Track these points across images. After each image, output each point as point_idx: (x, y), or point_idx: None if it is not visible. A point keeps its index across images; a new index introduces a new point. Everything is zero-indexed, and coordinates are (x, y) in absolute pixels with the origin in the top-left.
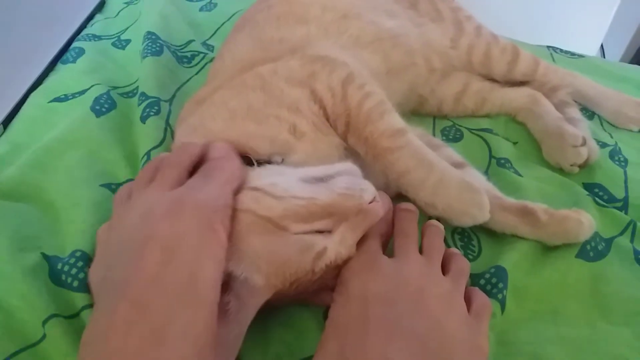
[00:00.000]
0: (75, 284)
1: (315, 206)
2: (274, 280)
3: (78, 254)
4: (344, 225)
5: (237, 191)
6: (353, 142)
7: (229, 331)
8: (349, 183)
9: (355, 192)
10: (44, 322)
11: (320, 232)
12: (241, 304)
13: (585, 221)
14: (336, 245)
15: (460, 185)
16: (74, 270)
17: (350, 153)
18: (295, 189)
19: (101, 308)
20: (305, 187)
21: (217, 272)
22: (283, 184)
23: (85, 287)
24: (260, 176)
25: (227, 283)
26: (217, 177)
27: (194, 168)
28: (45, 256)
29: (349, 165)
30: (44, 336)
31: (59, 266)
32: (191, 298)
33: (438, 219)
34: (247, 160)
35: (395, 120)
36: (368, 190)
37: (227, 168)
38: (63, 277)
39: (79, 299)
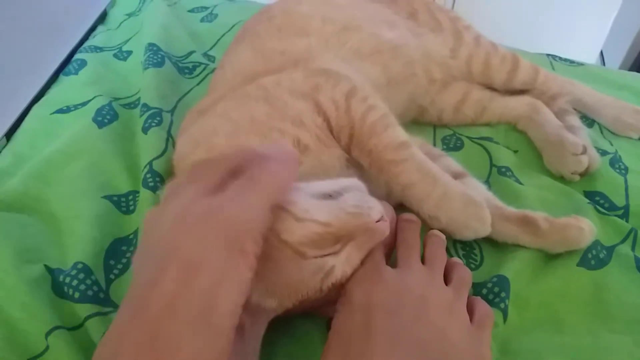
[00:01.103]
0: (77, 295)
1: (329, 234)
2: (287, 302)
3: (80, 266)
4: (351, 244)
5: (276, 207)
6: (357, 154)
7: (247, 347)
8: (358, 200)
9: (363, 210)
10: (47, 334)
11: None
12: (253, 320)
13: (586, 228)
14: (342, 265)
15: (464, 199)
16: (75, 282)
17: (352, 164)
18: (312, 210)
19: (117, 323)
20: (321, 206)
21: (240, 296)
22: (302, 204)
23: (86, 298)
24: None
25: None
26: (260, 184)
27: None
28: (48, 268)
29: (355, 181)
30: (47, 348)
31: (61, 278)
32: (204, 327)
33: (440, 231)
34: None
35: (399, 133)
36: (375, 209)
37: (276, 174)
38: (65, 289)
39: (82, 310)
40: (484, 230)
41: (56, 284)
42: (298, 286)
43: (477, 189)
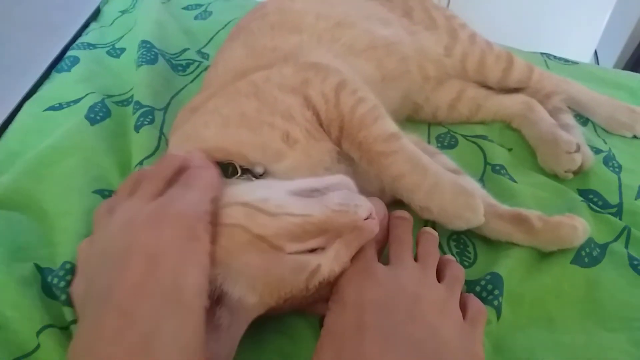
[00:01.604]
0: (63, 297)
1: (309, 224)
2: (268, 299)
3: (67, 266)
4: (338, 241)
5: (214, 200)
6: (347, 147)
7: (221, 346)
8: (344, 198)
9: (350, 208)
10: (38, 333)
11: (313, 249)
12: (233, 318)
13: (579, 226)
14: (330, 262)
15: (455, 189)
16: (62, 284)
17: (344, 158)
18: (288, 205)
19: (86, 320)
20: (297, 201)
21: (202, 278)
22: (275, 200)
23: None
24: (247, 190)
25: (220, 298)
26: (196, 185)
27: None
28: (38, 267)
29: (342, 178)
30: (38, 346)
31: (49, 279)
32: (177, 305)
33: (433, 224)
34: (232, 167)
35: (389, 124)
36: (363, 207)
37: (205, 176)
38: (53, 289)
39: (68, 312)
40: (477, 219)
41: (45, 285)
42: (279, 283)
43: (471, 184)
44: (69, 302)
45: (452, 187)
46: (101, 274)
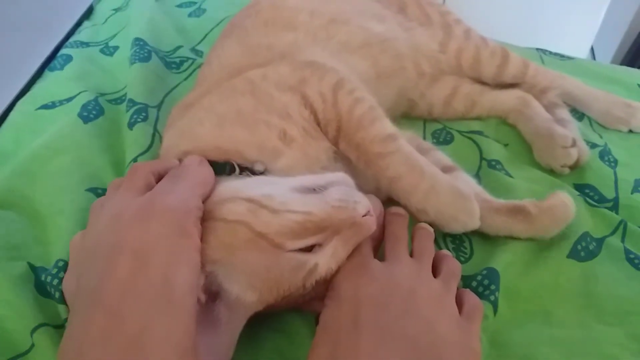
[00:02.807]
0: (57, 295)
1: (310, 222)
2: (267, 297)
3: (61, 264)
4: (336, 238)
5: (206, 196)
6: (344, 147)
7: (220, 341)
8: (343, 194)
9: (349, 205)
10: (32, 332)
11: (312, 246)
12: (231, 313)
13: (567, 201)
14: (327, 261)
15: (451, 192)
16: (55, 281)
17: (340, 157)
18: (291, 202)
19: (76, 319)
20: (300, 198)
21: (192, 275)
22: (279, 197)
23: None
24: (252, 186)
25: (217, 293)
26: (186, 180)
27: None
28: (31, 266)
29: (341, 175)
30: (33, 345)
31: (43, 277)
32: (167, 304)
33: (429, 224)
34: (230, 166)
35: (386, 125)
36: (361, 203)
37: (197, 172)
38: (47, 287)
39: (63, 310)
40: (473, 223)
41: (39, 283)
42: (278, 280)
43: (467, 182)
44: (63, 300)
45: (449, 190)
46: (90, 270)
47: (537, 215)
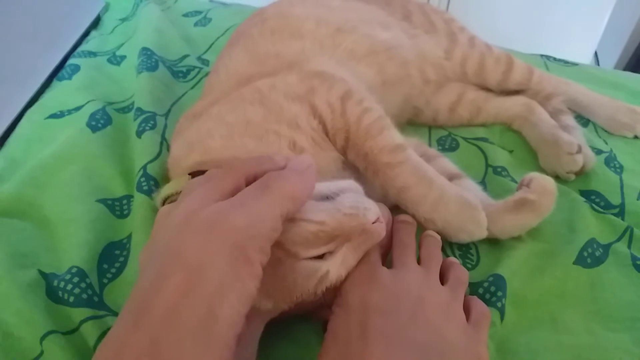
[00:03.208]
0: (72, 299)
1: (323, 232)
2: (282, 304)
3: (74, 270)
4: (346, 245)
5: (292, 213)
6: (352, 157)
7: (245, 350)
8: (354, 202)
9: (359, 212)
10: (42, 339)
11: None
12: (249, 323)
13: (541, 176)
14: (337, 268)
15: (459, 202)
16: (69, 286)
17: (349, 166)
18: (307, 211)
19: (120, 326)
20: (314, 206)
21: (243, 306)
22: None
23: (81, 302)
24: None
25: None
26: (272, 194)
27: None
28: (42, 273)
29: (352, 183)
30: (42, 353)
31: (55, 283)
32: (205, 337)
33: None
34: None
35: (395, 135)
36: (372, 210)
37: (290, 184)
38: (60, 293)
39: (76, 314)
40: (480, 233)
41: (51, 289)
42: (292, 288)
43: (472, 189)
44: (77, 304)
45: (457, 200)
46: (149, 269)
47: (538, 200)
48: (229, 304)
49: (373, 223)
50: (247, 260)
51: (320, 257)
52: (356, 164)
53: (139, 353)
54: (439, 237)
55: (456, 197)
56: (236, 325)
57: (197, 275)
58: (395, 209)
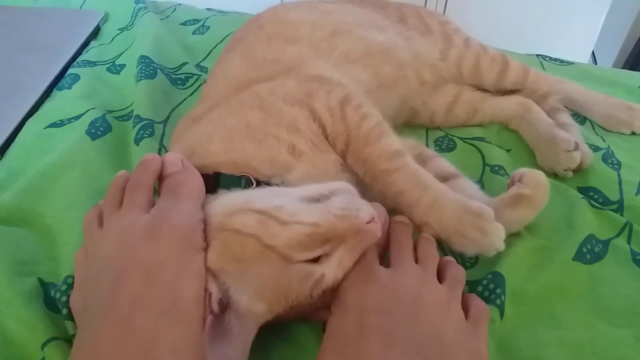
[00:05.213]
0: (65, 311)
1: (316, 234)
2: (276, 307)
3: (70, 280)
4: (342, 247)
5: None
6: (352, 162)
7: (233, 351)
8: (345, 203)
9: (351, 213)
10: (43, 345)
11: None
12: (242, 324)
13: (530, 170)
14: (333, 271)
15: (457, 206)
16: (64, 298)
17: (348, 169)
18: (299, 213)
19: (85, 333)
20: (307, 209)
21: (200, 287)
22: (288, 208)
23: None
24: (262, 197)
25: (228, 304)
26: (185, 195)
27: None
28: (41, 282)
29: (344, 184)
30: (44, 359)
31: (52, 293)
32: (176, 315)
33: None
34: (245, 179)
35: (393, 141)
36: (364, 210)
37: (192, 183)
38: (56, 303)
39: (70, 326)
40: (492, 244)
41: (48, 299)
42: (286, 291)
43: (469, 188)
44: (71, 317)
45: (454, 205)
46: (99, 288)
47: (532, 193)
48: (189, 285)
49: (368, 223)
50: (194, 248)
51: (316, 260)
52: (355, 169)
53: (115, 342)
54: (432, 238)
55: (454, 201)
56: (199, 305)
57: (155, 269)
58: (394, 211)
